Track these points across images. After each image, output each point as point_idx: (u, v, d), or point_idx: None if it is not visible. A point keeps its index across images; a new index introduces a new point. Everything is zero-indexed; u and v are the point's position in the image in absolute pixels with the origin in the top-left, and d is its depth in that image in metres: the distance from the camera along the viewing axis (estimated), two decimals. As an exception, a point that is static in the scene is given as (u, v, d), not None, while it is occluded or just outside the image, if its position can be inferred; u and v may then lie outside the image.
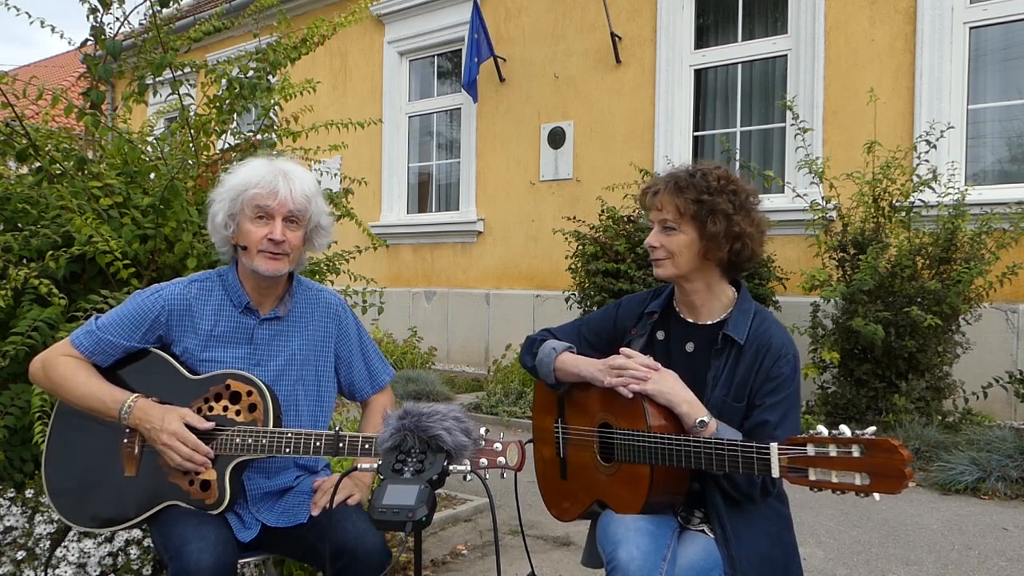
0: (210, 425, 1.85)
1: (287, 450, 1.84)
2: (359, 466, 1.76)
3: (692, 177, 1.85)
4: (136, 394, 1.87)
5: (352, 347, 2.16)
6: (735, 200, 1.84)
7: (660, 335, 1.97)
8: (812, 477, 1.50)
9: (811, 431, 1.53)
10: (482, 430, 1.70)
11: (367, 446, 1.84)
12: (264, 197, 1.90)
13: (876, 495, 1.44)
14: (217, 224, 1.95)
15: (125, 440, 1.90)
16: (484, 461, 1.68)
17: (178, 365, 1.94)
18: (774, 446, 1.56)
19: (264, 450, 1.84)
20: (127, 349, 1.93)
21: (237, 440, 1.84)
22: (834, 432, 1.50)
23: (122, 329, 1.92)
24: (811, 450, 1.51)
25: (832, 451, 1.48)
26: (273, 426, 1.85)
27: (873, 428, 1.49)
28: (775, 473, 1.55)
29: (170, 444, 1.81)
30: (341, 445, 1.84)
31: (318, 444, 1.84)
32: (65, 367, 1.89)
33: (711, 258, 1.86)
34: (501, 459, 1.70)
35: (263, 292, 2.00)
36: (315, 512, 1.96)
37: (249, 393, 1.87)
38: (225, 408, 1.88)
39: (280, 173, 1.92)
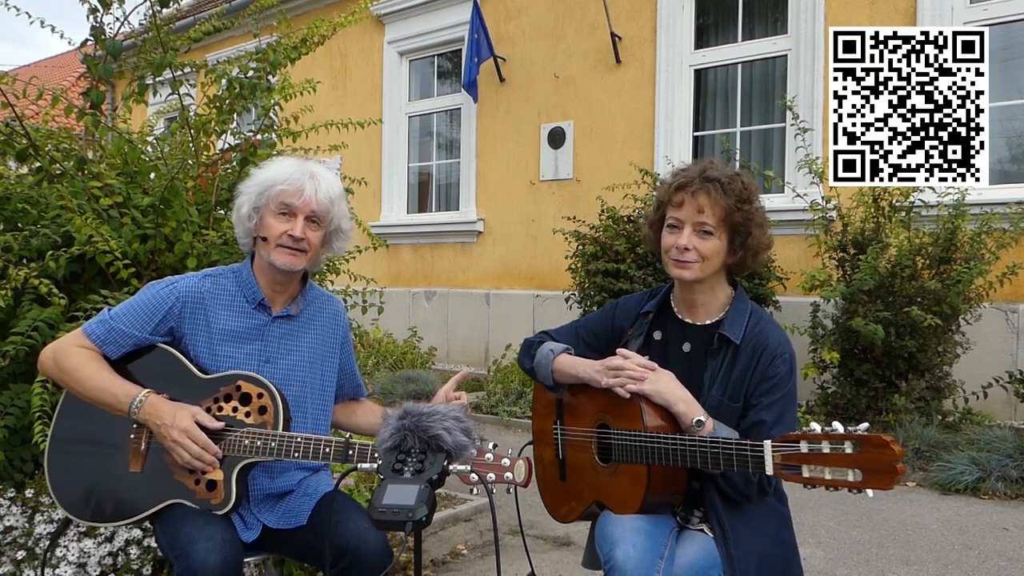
0: (221, 425, 1.85)
1: (296, 454, 1.83)
2: (359, 466, 1.76)
3: (732, 183, 1.82)
4: (147, 389, 1.87)
5: (349, 355, 2.21)
6: (761, 211, 1.86)
7: (657, 335, 1.97)
8: (806, 474, 1.51)
9: (804, 428, 1.54)
10: (490, 445, 1.71)
11: (376, 455, 1.84)
12: (290, 195, 1.92)
13: (869, 491, 1.45)
14: (242, 215, 1.98)
15: (132, 436, 1.90)
16: (492, 476, 1.69)
17: (188, 363, 1.94)
18: (767, 443, 1.56)
19: (273, 453, 1.84)
20: (138, 340, 1.93)
21: (246, 442, 1.84)
22: (827, 428, 1.51)
23: (135, 319, 1.92)
24: (804, 447, 1.51)
25: (825, 447, 1.49)
26: (283, 430, 1.85)
27: (865, 424, 1.49)
28: (769, 470, 1.56)
29: (180, 441, 1.81)
30: (351, 452, 1.83)
31: (327, 450, 1.84)
32: (77, 358, 1.89)
33: (728, 263, 1.87)
34: (508, 475, 1.71)
35: (277, 289, 2.02)
36: None
37: (260, 395, 1.87)
38: (235, 409, 1.88)
39: (308, 173, 1.96)
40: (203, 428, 1.83)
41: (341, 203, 2.03)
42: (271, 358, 2.00)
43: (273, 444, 1.84)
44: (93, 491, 1.92)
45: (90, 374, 1.88)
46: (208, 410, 1.88)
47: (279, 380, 1.95)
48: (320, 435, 1.87)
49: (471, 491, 1.62)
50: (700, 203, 1.81)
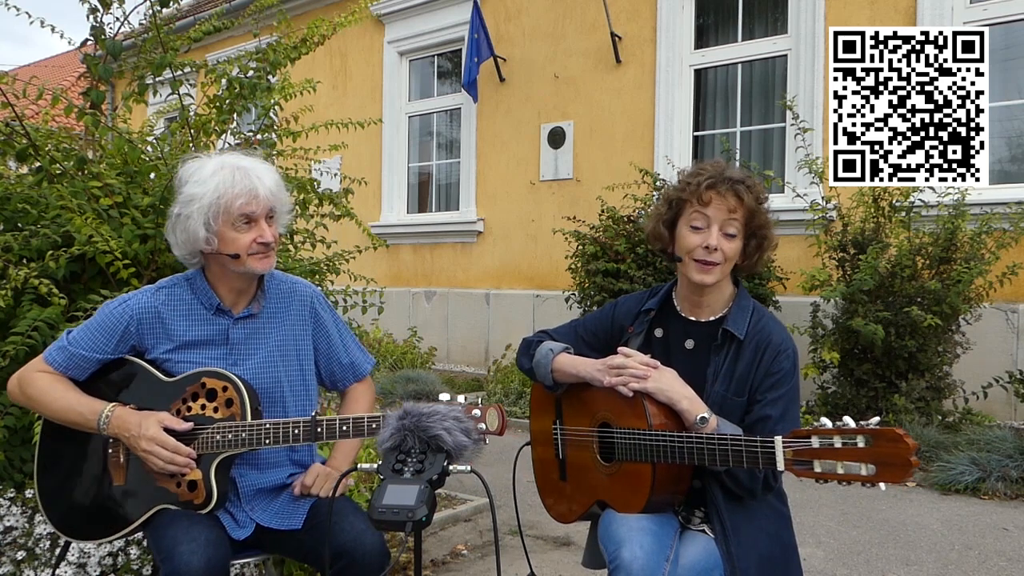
0: (188, 426, 1.85)
1: (267, 441, 1.84)
2: (359, 466, 1.76)
3: (753, 184, 1.82)
4: (113, 403, 1.87)
5: (331, 338, 2.13)
6: (769, 212, 1.87)
7: (658, 333, 1.97)
8: (817, 469, 1.50)
9: (815, 423, 1.53)
10: (460, 398, 1.70)
11: (344, 428, 1.84)
12: (248, 205, 1.87)
13: (882, 485, 1.44)
14: (198, 239, 1.88)
15: (110, 450, 1.91)
16: None
17: (153, 369, 1.93)
18: (778, 439, 1.56)
19: (244, 443, 1.84)
20: (100, 361, 1.92)
21: (217, 437, 1.85)
22: (838, 423, 1.50)
23: (93, 343, 1.91)
24: (815, 442, 1.51)
25: (837, 442, 1.48)
26: (251, 418, 1.85)
27: (877, 419, 1.49)
28: (780, 466, 1.55)
29: (150, 450, 1.81)
30: (319, 430, 1.85)
31: (296, 432, 1.84)
32: (41, 382, 1.89)
33: (739, 264, 1.89)
34: (482, 425, 1.70)
35: (240, 292, 2.00)
36: (297, 491, 1.98)
37: (224, 389, 1.87)
38: (203, 407, 1.88)
39: (250, 174, 1.89)
40: (172, 431, 1.83)
41: (281, 184, 1.97)
42: (238, 360, 1.98)
43: (244, 435, 1.84)
44: (85, 510, 1.93)
45: (56, 396, 1.88)
46: (177, 412, 1.88)
47: (250, 379, 1.93)
48: (287, 418, 1.87)
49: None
50: (731, 203, 1.81)
